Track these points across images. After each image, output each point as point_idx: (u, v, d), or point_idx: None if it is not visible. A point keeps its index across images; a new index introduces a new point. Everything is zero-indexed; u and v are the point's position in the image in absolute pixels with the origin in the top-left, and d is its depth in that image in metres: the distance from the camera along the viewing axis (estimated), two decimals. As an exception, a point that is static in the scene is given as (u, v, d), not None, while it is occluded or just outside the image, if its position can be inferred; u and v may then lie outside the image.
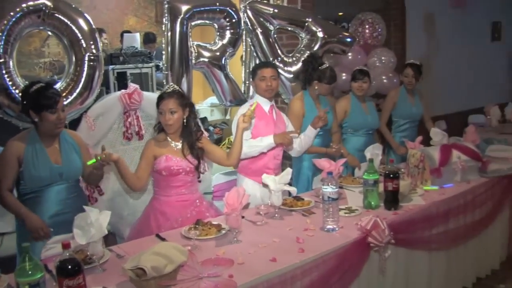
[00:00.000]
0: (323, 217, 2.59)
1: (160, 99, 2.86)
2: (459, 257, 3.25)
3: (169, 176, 2.89)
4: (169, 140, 2.92)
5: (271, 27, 4.38)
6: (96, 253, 2.17)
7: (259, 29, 4.31)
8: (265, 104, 3.42)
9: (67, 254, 1.79)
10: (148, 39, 7.39)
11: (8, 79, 3.27)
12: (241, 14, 4.28)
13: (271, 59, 4.32)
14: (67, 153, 2.82)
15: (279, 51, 4.43)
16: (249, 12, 4.29)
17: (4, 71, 3.25)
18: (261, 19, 4.33)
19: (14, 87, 3.28)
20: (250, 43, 4.38)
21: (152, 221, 2.89)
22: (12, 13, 3.25)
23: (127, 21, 8.60)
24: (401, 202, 2.93)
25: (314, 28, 4.52)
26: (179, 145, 2.94)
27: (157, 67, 6.00)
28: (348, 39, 4.85)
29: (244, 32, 4.32)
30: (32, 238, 2.65)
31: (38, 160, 2.70)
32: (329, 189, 2.52)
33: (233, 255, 2.25)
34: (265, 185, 2.85)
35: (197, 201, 3.01)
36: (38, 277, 1.77)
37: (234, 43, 4.24)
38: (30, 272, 1.76)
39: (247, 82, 4.40)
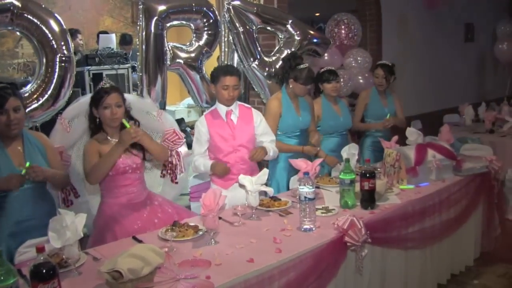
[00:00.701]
0: (300, 217, 2.60)
1: (103, 94, 2.79)
2: (434, 254, 3.29)
3: (116, 175, 2.85)
4: (109, 138, 2.86)
5: (253, 27, 4.39)
6: (72, 256, 2.14)
7: (241, 28, 4.31)
8: (222, 110, 3.31)
9: (42, 258, 1.77)
10: (124, 40, 7.33)
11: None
12: (224, 13, 4.28)
13: (251, 59, 4.34)
14: (31, 155, 2.69)
15: (260, 51, 4.44)
16: (232, 11, 4.29)
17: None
18: (244, 19, 4.33)
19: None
20: (232, 42, 4.37)
21: (108, 235, 2.80)
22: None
23: (102, 22, 8.52)
24: (377, 201, 2.95)
25: (293, 30, 4.56)
26: None
27: (133, 68, 5.96)
28: (325, 42, 4.91)
29: (221, 32, 4.31)
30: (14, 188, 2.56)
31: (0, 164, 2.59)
32: (305, 189, 2.53)
33: (210, 256, 2.24)
34: (242, 186, 2.84)
35: (154, 201, 3.00)
36: (11, 282, 1.73)
37: (211, 44, 4.24)
38: (2, 278, 1.71)
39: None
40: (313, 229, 2.57)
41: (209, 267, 2.15)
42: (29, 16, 3.38)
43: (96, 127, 2.88)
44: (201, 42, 4.20)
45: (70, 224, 2.11)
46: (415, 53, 7.20)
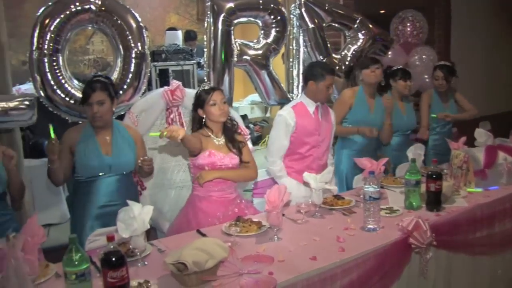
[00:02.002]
0: (364, 217, 2.58)
1: (210, 91, 2.88)
2: (506, 263, 3.15)
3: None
4: (212, 136, 2.93)
5: (323, 24, 4.38)
6: (138, 246, 2.20)
7: (312, 24, 4.32)
8: (311, 106, 3.36)
9: (111, 246, 1.83)
10: (189, 36, 7.46)
11: (59, 76, 3.39)
12: (296, 8, 4.29)
13: (320, 57, 4.36)
14: (118, 146, 2.89)
15: (329, 48, 4.43)
16: (304, 7, 4.30)
17: (55, 68, 3.37)
18: (314, 15, 4.34)
19: (64, 82, 3.40)
20: (303, 39, 4.39)
21: (191, 218, 2.90)
22: (62, 15, 3.35)
23: (169, 19, 8.72)
24: (443, 203, 2.88)
25: (360, 28, 4.54)
26: (222, 140, 2.95)
27: (199, 64, 6.05)
28: (388, 40, 4.90)
29: (288, 29, 4.30)
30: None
31: (89, 149, 2.80)
32: (370, 189, 2.51)
33: (273, 253, 2.25)
34: (306, 183, 2.84)
35: (237, 200, 3.02)
36: (84, 267, 1.81)
37: (278, 41, 4.21)
38: (76, 263, 1.79)
39: (290, 80, 4.40)
40: (377, 229, 2.53)
41: (272, 263, 2.15)
42: (109, 14, 3.49)
43: (201, 127, 2.96)
44: (269, 39, 4.18)
45: (138, 216, 2.17)
46: (486, 51, 6.93)
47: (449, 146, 3.48)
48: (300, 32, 4.38)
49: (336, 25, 4.55)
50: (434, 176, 2.82)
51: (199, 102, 2.90)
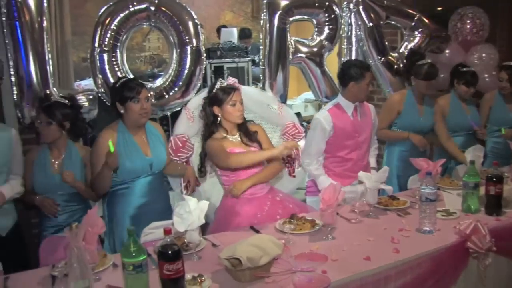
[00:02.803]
0: (419, 218, 2.52)
1: (229, 91, 2.82)
2: None
3: (239, 171, 2.85)
4: (228, 136, 2.88)
5: (381, 22, 4.33)
6: (193, 241, 2.24)
7: (370, 23, 4.27)
8: (349, 107, 3.28)
9: (168, 239, 1.86)
10: (244, 34, 7.51)
11: (117, 71, 3.51)
12: (353, 6, 4.26)
13: (378, 57, 4.32)
14: (154, 144, 2.91)
15: (387, 48, 4.40)
16: (361, 5, 4.26)
17: (114, 64, 3.49)
18: (371, 13, 4.28)
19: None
20: (361, 37, 4.34)
21: (227, 221, 2.86)
22: (122, 14, 3.46)
23: (223, 16, 8.82)
24: (504, 208, 2.78)
25: (418, 25, 4.48)
26: (237, 137, 2.91)
27: (253, 62, 6.08)
28: (445, 38, 4.84)
29: (341, 27, 4.27)
30: None
31: (131, 152, 2.79)
32: (427, 190, 2.45)
33: (327, 251, 2.25)
34: (361, 182, 2.80)
35: (270, 194, 2.98)
36: (141, 259, 1.84)
37: (332, 38, 4.20)
38: (134, 254, 1.83)
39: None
40: (433, 231, 2.48)
41: (326, 261, 2.15)
42: (165, 11, 3.58)
43: (216, 126, 2.90)
44: (323, 37, 4.18)
45: (193, 210, 2.21)
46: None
47: (509, 149, 3.36)
48: (353, 30, 4.33)
49: (394, 22, 4.47)
50: (494, 179, 2.73)
51: (217, 99, 2.84)
